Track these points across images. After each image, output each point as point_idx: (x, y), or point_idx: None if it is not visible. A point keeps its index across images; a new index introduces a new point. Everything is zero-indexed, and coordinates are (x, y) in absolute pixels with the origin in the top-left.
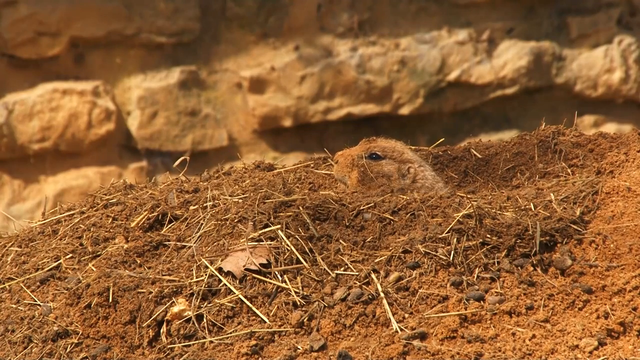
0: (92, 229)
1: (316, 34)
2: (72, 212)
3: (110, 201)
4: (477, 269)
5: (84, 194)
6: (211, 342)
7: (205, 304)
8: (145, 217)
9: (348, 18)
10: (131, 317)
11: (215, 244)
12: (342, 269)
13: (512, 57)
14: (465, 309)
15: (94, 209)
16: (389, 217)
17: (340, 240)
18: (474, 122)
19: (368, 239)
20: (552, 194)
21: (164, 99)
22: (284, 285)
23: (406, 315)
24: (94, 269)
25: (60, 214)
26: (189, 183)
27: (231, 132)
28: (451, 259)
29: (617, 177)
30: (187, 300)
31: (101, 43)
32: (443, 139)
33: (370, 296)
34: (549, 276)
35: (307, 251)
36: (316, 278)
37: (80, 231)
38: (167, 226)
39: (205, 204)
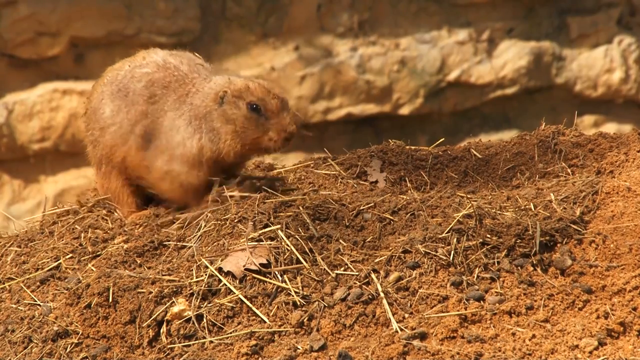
0: (90, 230)
1: (316, 34)
2: (70, 212)
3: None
4: (477, 269)
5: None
6: (211, 342)
7: (205, 304)
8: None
9: (348, 18)
10: (131, 317)
11: (215, 244)
12: (342, 269)
13: (512, 57)
14: (465, 309)
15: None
16: (389, 217)
17: (340, 240)
18: (474, 122)
19: (368, 239)
20: (552, 194)
21: None
22: (284, 285)
23: (406, 315)
24: (94, 269)
25: (60, 214)
26: None
27: None
28: (451, 259)
29: (617, 177)
30: (187, 300)
31: (101, 43)
32: (443, 139)
33: (370, 296)
34: (549, 276)
35: (307, 251)
36: (316, 278)
37: (78, 232)
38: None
39: None
